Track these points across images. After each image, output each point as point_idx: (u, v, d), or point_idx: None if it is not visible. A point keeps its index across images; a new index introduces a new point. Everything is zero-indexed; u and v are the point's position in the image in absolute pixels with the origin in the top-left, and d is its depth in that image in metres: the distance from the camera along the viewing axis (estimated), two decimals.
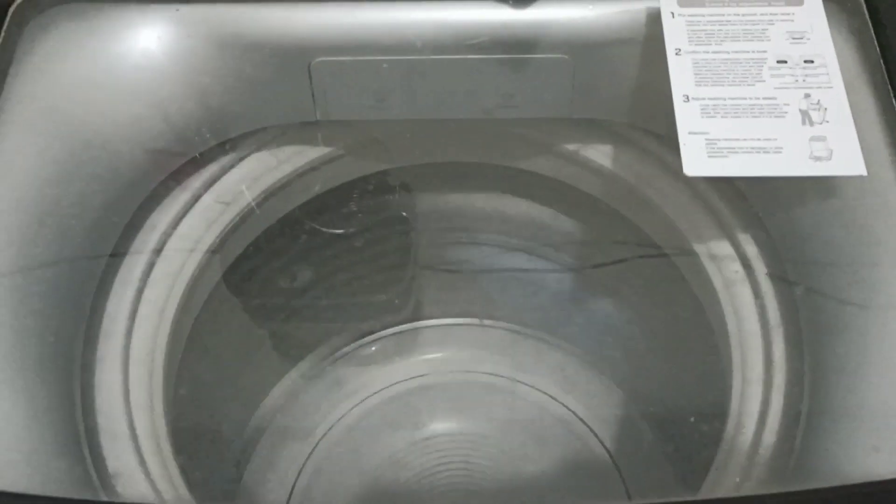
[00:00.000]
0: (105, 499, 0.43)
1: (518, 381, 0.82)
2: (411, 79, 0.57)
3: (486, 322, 0.87)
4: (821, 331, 0.47)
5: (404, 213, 0.77)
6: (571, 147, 0.63)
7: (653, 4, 0.52)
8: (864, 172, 0.46)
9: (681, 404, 0.63)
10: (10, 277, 0.46)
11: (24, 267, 0.48)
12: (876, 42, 0.50)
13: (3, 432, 0.42)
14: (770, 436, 0.46)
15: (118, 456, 0.47)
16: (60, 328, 0.49)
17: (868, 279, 0.46)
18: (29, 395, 0.45)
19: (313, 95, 0.58)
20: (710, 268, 0.55)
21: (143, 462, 0.46)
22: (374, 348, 0.87)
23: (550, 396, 0.81)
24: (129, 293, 0.54)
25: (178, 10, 0.53)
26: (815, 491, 0.41)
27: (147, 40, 0.55)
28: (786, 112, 0.48)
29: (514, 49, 0.55)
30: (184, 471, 0.48)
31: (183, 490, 0.47)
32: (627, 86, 0.55)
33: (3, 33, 0.51)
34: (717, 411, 0.50)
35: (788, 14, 0.51)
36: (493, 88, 0.57)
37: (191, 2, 0.54)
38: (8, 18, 0.52)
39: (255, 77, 0.56)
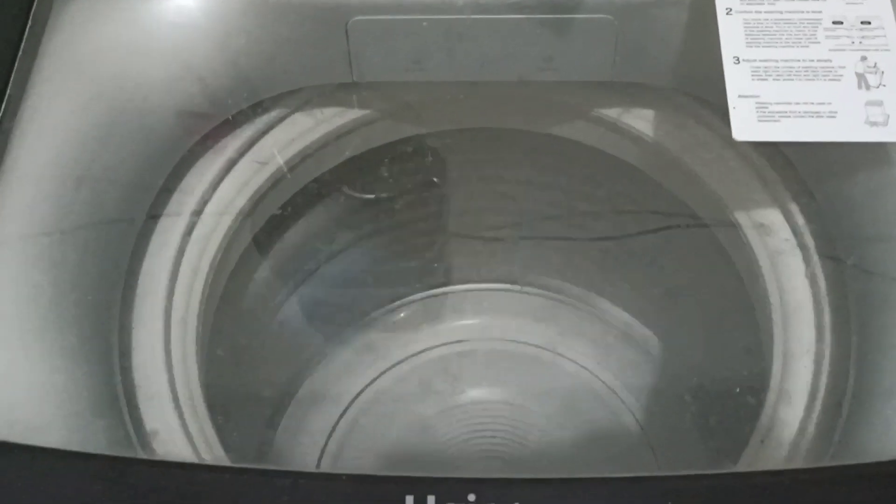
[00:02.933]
0: (144, 457, 0.43)
1: (554, 350, 0.82)
2: (450, 40, 0.56)
3: (526, 289, 0.86)
4: (869, 306, 0.46)
5: (436, 179, 0.77)
6: (612, 113, 0.61)
7: None
8: None
9: (719, 377, 0.62)
10: (48, 237, 0.46)
11: (62, 227, 0.47)
12: None
13: (44, 392, 0.42)
14: (813, 412, 0.45)
15: (156, 415, 0.47)
16: (98, 288, 0.49)
17: None
18: (68, 355, 0.45)
19: (350, 56, 0.57)
20: (754, 239, 0.53)
21: (181, 421, 0.46)
22: (403, 314, 0.87)
23: (583, 367, 0.80)
24: (167, 254, 0.53)
25: None
26: (855, 466, 0.40)
27: (181, 1, 0.54)
28: (841, 75, 0.46)
29: (556, 9, 0.53)
30: (219, 431, 0.48)
31: (218, 450, 0.47)
32: (674, 48, 0.54)
33: (34, 5, 0.51)
34: (756, 385, 0.49)
35: None
36: (534, 50, 0.56)
37: None
38: None
39: (290, 37, 0.55)
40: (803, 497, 0.37)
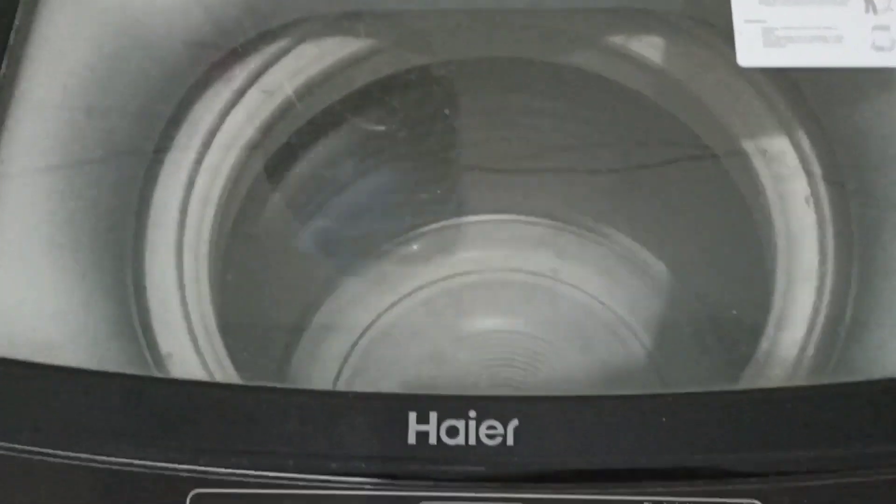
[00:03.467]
0: (159, 375, 0.45)
1: (558, 278, 0.83)
2: None
3: (530, 218, 0.86)
4: (870, 231, 0.46)
5: (446, 111, 0.77)
6: (620, 40, 0.61)
7: None
8: None
9: (723, 301, 0.63)
10: (61, 169, 0.47)
11: (75, 157, 0.48)
12: None
13: (61, 315, 0.44)
14: (814, 334, 0.45)
15: (170, 339, 0.49)
16: (111, 216, 0.50)
17: None
18: (83, 281, 0.46)
19: None
20: (760, 165, 0.53)
21: (194, 344, 0.48)
22: (416, 246, 0.88)
23: (586, 293, 0.81)
24: (177, 184, 0.54)
25: None
26: (848, 385, 0.41)
27: None
28: None
29: None
30: (231, 354, 0.50)
31: (231, 372, 0.48)
32: None
33: None
34: (760, 308, 0.50)
35: None
36: None
37: None
38: None
39: None
40: (797, 413, 0.38)
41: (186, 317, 0.51)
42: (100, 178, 0.50)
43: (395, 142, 0.77)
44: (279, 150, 0.65)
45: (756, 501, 0.36)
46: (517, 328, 0.82)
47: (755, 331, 0.50)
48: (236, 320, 0.60)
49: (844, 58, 0.44)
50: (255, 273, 0.72)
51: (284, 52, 0.59)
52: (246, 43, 0.57)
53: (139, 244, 0.53)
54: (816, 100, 0.51)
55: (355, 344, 0.83)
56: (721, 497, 0.36)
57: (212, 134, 0.57)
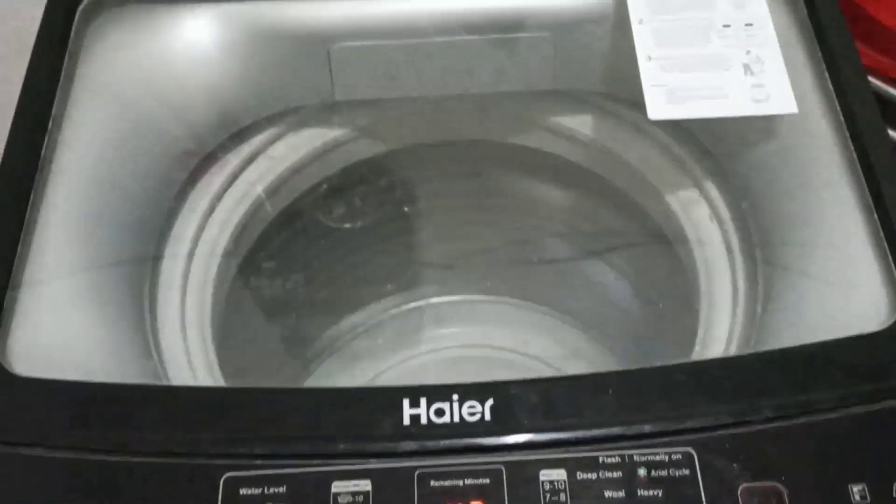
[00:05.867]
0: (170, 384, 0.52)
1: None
2: (416, 60, 0.66)
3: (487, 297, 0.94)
4: (769, 249, 0.57)
5: (406, 208, 0.86)
6: (555, 118, 0.73)
7: None
8: (795, 110, 0.55)
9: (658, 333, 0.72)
10: (86, 221, 0.55)
11: (101, 218, 0.57)
12: (805, 6, 0.61)
13: (90, 340, 0.51)
14: (736, 319, 0.55)
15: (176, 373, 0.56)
16: (130, 270, 0.58)
17: (802, 199, 0.55)
18: (111, 321, 0.54)
19: (332, 78, 0.67)
20: (677, 207, 0.64)
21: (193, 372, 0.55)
22: (380, 340, 0.95)
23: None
24: (183, 247, 0.63)
25: (218, 6, 0.63)
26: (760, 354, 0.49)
27: (189, 35, 0.64)
28: (731, 65, 0.57)
29: (503, 30, 0.65)
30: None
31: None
32: (600, 57, 0.65)
33: (73, 29, 0.61)
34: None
35: None
36: (487, 66, 0.67)
37: (228, 0, 0.64)
38: (77, 16, 0.61)
39: (282, 63, 0.65)
40: (718, 379, 0.47)
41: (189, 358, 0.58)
42: (121, 239, 0.58)
43: (356, 235, 0.85)
44: (250, 251, 0.73)
45: (690, 449, 0.44)
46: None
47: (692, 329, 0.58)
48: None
49: (731, 109, 0.56)
50: (246, 347, 0.78)
51: (279, 136, 0.69)
52: (243, 128, 0.67)
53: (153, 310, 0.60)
54: (715, 149, 0.63)
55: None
56: (664, 448, 0.44)
57: (194, 243, 0.65)
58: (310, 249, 0.85)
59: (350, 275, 0.90)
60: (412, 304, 0.94)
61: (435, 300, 0.95)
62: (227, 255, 0.68)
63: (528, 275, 0.93)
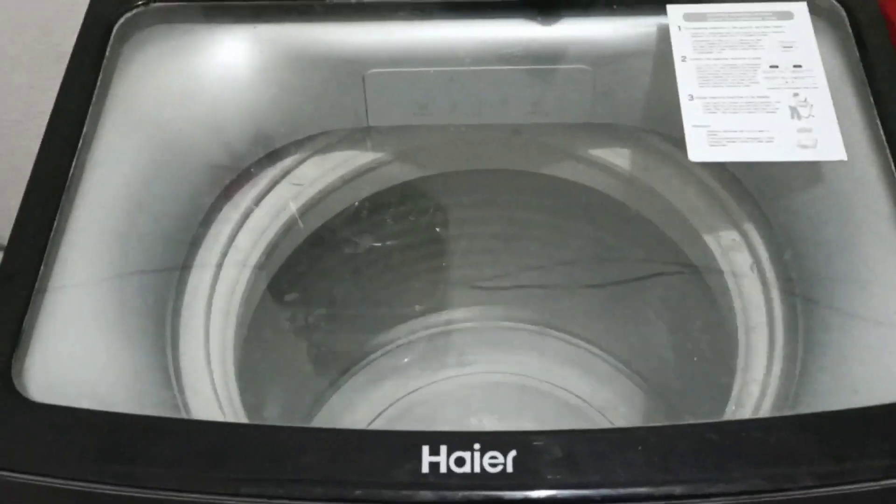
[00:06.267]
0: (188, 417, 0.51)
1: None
2: (451, 88, 0.65)
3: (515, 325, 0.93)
4: (812, 304, 0.54)
5: (438, 229, 0.85)
6: (592, 151, 0.71)
7: (662, 20, 0.60)
8: (844, 157, 0.53)
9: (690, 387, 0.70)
10: (113, 241, 0.55)
11: (129, 243, 0.56)
12: (857, 49, 0.58)
13: (110, 365, 0.50)
14: (770, 379, 0.52)
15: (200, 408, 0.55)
16: (154, 298, 0.57)
17: (849, 253, 0.53)
18: (133, 347, 0.53)
19: (366, 103, 0.66)
20: (717, 252, 0.62)
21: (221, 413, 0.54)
22: (406, 359, 0.94)
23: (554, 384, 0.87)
24: (212, 258, 0.62)
25: (255, 28, 0.63)
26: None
27: (225, 56, 0.64)
28: (777, 108, 0.55)
29: (541, 61, 0.63)
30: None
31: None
32: (641, 92, 0.63)
33: (108, 47, 0.60)
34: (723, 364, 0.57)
35: (780, 27, 0.59)
36: (524, 97, 0.66)
37: (265, 22, 0.63)
38: (112, 36, 0.61)
39: (317, 87, 0.65)
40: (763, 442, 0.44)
41: (213, 384, 0.57)
42: (146, 258, 0.57)
43: (384, 256, 0.84)
44: (282, 266, 0.73)
45: None
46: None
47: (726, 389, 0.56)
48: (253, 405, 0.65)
49: (776, 154, 0.54)
50: (264, 374, 0.78)
51: (305, 158, 0.68)
52: (276, 150, 0.66)
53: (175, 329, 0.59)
54: (758, 193, 0.60)
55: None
56: None
57: (223, 255, 0.64)
58: (339, 269, 0.84)
59: (378, 295, 0.89)
60: (439, 328, 0.94)
61: (462, 325, 0.94)
62: (258, 267, 0.67)
63: (558, 304, 0.91)
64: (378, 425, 0.89)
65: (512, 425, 0.88)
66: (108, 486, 0.44)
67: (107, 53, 0.60)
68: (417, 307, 0.93)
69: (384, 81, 0.65)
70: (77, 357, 0.51)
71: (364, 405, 0.91)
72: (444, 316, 0.93)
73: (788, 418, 0.48)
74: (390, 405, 0.91)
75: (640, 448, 0.44)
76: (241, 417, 0.57)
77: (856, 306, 0.51)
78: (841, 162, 0.53)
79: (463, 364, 0.93)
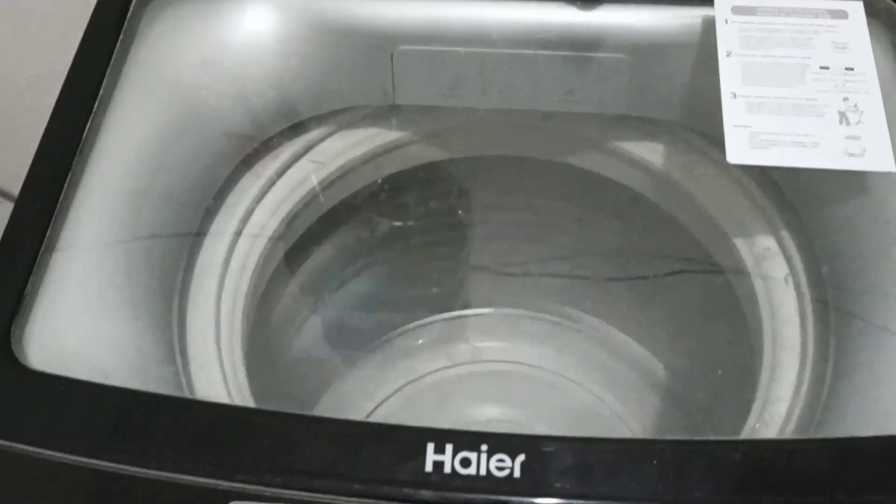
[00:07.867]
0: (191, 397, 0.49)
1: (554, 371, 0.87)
2: (482, 71, 0.63)
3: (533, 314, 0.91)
4: (847, 322, 0.52)
5: (460, 211, 0.83)
6: (625, 145, 0.68)
7: (708, 12, 0.58)
8: (893, 169, 0.50)
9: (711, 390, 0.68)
10: (126, 203, 0.53)
11: (142, 209, 0.54)
12: None
13: (114, 336, 0.49)
14: (797, 402, 0.50)
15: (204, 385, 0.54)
16: (163, 270, 0.56)
17: (890, 272, 0.50)
18: (139, 326, 0.51)
19: (393, 81, 0.64)
20: (749, 260, 0.59)
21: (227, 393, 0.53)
22: (420, 340, 0.92)
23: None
24: (230, 227, 0.60)
25: None
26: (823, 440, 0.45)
27: (251, 24, 0.61)
28: (825, 112, 0.52)
29: (577, 47, 0.61)
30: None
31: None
32: (681, 86, 0.61)
33: (129, 14, 0.59)
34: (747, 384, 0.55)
35: (833, 26, 0.56)
36: (557, 84, 0.63)
37: None
38: (133, 2, 0.59)
39: (344, 61, 0.62)
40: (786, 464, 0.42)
41: (221, 366, 0.56)
42: (158, 231, 0.56)
43: (405, 236, 0.82)
44: (299, 240, 0.71)
45: None
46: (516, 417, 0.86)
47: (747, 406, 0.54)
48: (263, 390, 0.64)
49: (820, 160, 0.51)
50: (275, 348, 0.77)
51: (331, 133, 0.66)
52: (296, 124, 0.64)
53: (184, 301, 0.58)
54: (797, 200, 0.58)
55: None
56: None
57: (243, 222, 0.63)
58: (358, 246, 0.82)
59: (395, 276, 0.87)
60: (455, 312, 0.92)
61: (479, 311, 0.92)
62: (275, 238, 0.66)
63: (578, 297, 0.89)
64: (386, 408, 0.87)
65: (518, 417, 0.86)
66: (105, 463, 0.42)
67: (129, 14, 0.58)
68: (434, 290, 0.92)
69: (413, 59, 0.62)
70: (81, 324, 0.49)
71: (374, 386, 0.89)
72: (460, 300, 0.91)
73: (813, 441, 0.45)
74: (400, 388, 0.90)
75: (655, 462, 0.42)
76: (247, 397, 0.56)
77: (893, 329, 0.49)
78: (889, 173, 0.50)
79: (477, 351, 0.92)
